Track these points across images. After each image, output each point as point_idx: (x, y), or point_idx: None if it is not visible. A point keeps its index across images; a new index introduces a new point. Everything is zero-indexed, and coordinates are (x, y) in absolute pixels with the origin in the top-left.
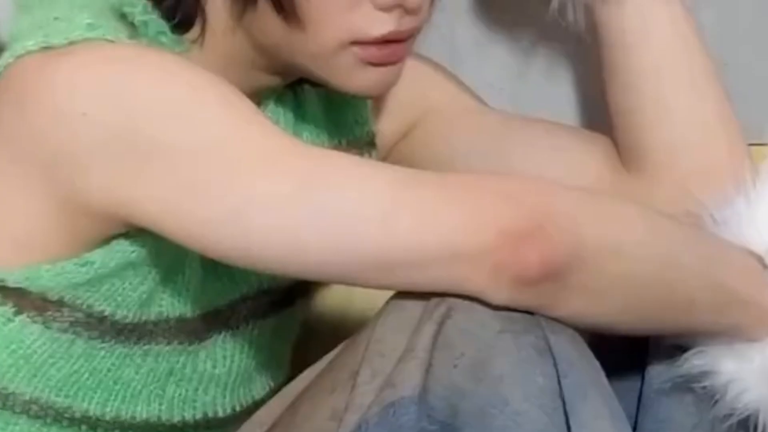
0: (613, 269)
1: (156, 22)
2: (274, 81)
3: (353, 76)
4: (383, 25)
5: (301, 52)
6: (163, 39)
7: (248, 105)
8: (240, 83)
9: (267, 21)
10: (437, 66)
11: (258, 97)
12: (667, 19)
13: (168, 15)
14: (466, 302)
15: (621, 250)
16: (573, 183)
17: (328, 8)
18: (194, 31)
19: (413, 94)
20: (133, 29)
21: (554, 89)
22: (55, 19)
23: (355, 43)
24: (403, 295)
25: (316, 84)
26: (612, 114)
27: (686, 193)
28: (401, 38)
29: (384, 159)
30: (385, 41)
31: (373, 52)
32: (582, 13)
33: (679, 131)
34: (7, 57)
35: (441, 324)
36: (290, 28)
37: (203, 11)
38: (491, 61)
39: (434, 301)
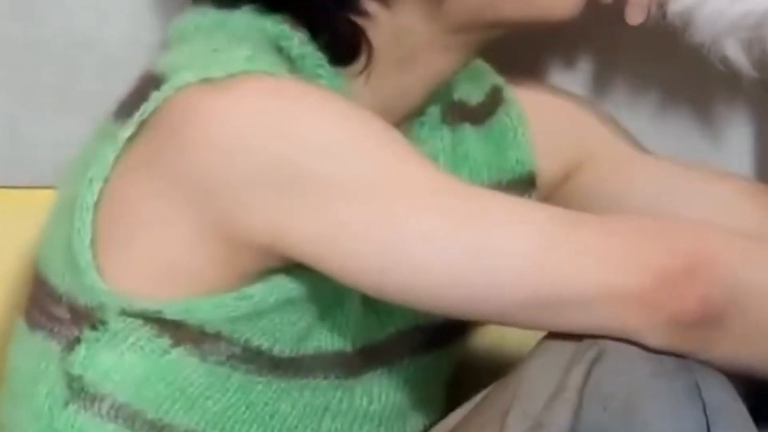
0: None
1: (313, 55)
2: (453, 67)
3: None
4: None
5: (504, 2)
6: (321, 72)
7: (405, 142)
8: (411, 101)
9: None
10: (597, 110)
11: (418, 132)
12: None
13: (327, 50)
14: (618, 344)
15: None
16: (734, 229)
17: None
18: (359, 64)
19: (573, 137)
20: (291, 63)
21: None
22: (214, 51)
23: None
24: (554, 335)
25: (478, 122)
26: None
27: None
28: None
29: (545, 200)
30: None
31: None
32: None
33: None
34: (167, 89)
35: (591, 365)
36: None
37: (368, 41)
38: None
39: (586, 342)
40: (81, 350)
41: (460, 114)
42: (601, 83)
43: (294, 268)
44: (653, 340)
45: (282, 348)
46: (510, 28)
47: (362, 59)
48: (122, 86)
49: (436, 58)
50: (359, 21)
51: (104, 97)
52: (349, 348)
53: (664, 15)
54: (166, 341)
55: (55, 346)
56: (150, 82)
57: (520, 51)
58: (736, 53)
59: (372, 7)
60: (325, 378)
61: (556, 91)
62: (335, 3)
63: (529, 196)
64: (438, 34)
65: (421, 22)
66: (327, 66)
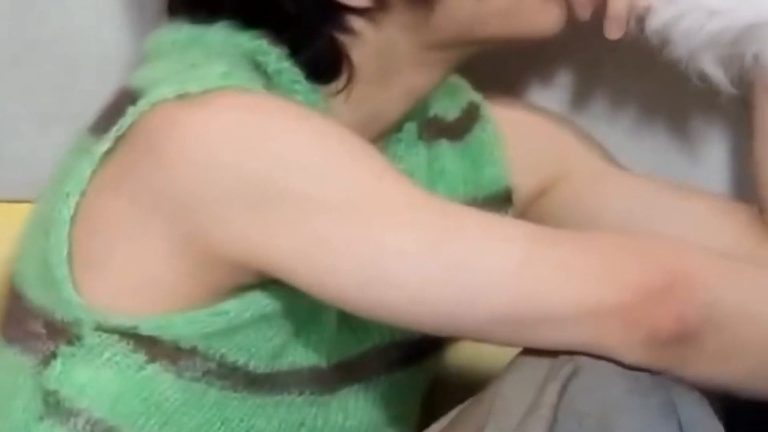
0: (746, 333)
1: (289, 70)
2: (432, 84)
3: (542, 14)
4: None
5: (490, 18)
6: (297, 87)
7: (382, 159)
8: (389, 117)
9: (453, 6)
10: (573, 126)
11: (395, 148)
12: None
13: (307, 67)
14: (593, 361)
15: (754, 314)
16: (709, 247)
17: None
18: (339, 82)
19: (549, 154)
20: (268, 78)
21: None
22: (191, 66)
23: None
24: (530, 351)
25: (455, 138)
26: (757, 179)
27: None
28: None
29: (520, 216)
30: None
31: None
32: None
33: None
34: (143, 104)
35: (567, 382)
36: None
37: (350, 60)
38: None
39: (561, 358)
40: (56, 365)
41: (436, 130)
42: (579, 98)
43: (269, 284)
44: (630, 357)
45: (257, 364)
46: (493, 45)
47: (343, 78)
48: None
49: (416, 74)
50: (343, 38)
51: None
52: (324, 364)
53: (642, 30)
54: (141, 357)
55: (30, 361)
56: (126, 98)
57: (499, 66)
58: (713, 69)
59: (358, 24)
60: (301, 394)
61: (533, 108)
62: (321, 20)
63: (506, 213)
64: (421, 50)
65: (406, 38)
66: (303, 82)
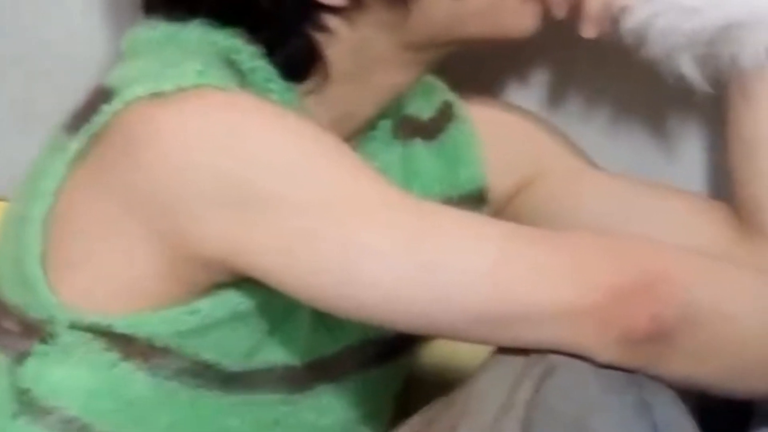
0: (721, 332)
1: (264, 69)
2: (407, 83)
3: (520, 14)
4: None
5: (468, 18)
6: (272, 86)
7: (357, 158)
8: (363, 116)
9: (431, 6)
10: (548, 126)
11: (369, 147)
12: None
13: (282, 66)
14: (567, 359)
15: (731, 314)
16: (686, 246)
17: None
18: (313, 81)
19: (524, 153)
20: (242, 77)
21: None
22: (165, 65)
23: None
24: (504, 350)
25: (429, 137)
26: (732, 179)
27: None
28: None
29: (496, 215)
30: None
31: None
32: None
33: None
34: (117, 103)
35: (541, 381)
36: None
37: (324, 58)
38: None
39: (535, 357)
40: (30, 364)
41: (411, 129)
42: (555, 98)
43: (244, 282)
44: (605, 355)
45: (231, 362)
46: (469, 45)
47: (317, 76)
48: None
49: (391, 74)
50: (318, 36)
51: None
52: (298, 363)
53: (618, 29)
54: (114, 355)
55: (3, 359)
56: (101, 96)
57: (475, 65)
58: (689, 69)
59: (333, 22)
60: (274, 392)
61: (508, 107)
62: (296, 18)
63: (480, 212)
64: (397, 50)
65: (382, 38)
66: (278, 80)
